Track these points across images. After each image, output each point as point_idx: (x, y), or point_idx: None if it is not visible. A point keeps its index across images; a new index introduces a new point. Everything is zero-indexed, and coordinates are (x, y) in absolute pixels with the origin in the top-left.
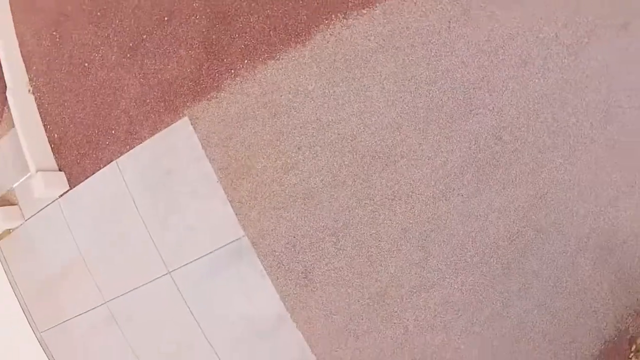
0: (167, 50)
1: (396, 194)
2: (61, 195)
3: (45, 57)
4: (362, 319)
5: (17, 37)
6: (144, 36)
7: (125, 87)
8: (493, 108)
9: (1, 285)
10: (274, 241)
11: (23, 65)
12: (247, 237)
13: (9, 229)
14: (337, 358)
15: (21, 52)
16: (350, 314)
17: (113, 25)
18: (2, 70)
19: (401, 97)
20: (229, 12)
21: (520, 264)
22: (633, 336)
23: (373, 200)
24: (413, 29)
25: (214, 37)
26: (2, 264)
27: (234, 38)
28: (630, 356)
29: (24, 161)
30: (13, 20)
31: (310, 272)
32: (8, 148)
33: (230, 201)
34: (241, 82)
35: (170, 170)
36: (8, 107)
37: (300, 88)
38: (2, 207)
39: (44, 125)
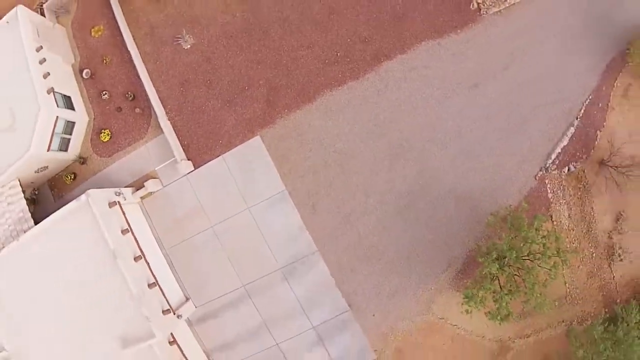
0: (247, 104)
1: (354, 171)
2: (188, 173)
3: (176, 102)
4: (338, 229)
5: (154, 88)
6: (235, 95)
7: (225, 120)
8: (398, 130)
9: (143, 225)
10: (299, 192)
11: (161, 105)
12: (287, 190)
13: (151, 192)
14: (328, 250)
15: (158, 97)
16: (334, 226)
17: (217, 89)
18: (150, 106)
19: (355, 128)
20: (277, 87)
21: (415, 203)
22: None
23: (343, 173)
24: (361, 96)
25: (270, 98)
26: (144, 212)
27: (280, 99)
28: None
29: (165, 154)
30: (151, 79)
31: (315, 206)
32: (154, 147)
33: (279, 173)
34: (284, 120)
35: (251, 160)
36: (151, 126)
37: (310, 123)
38: (150, 179)
39: (178, 137)
